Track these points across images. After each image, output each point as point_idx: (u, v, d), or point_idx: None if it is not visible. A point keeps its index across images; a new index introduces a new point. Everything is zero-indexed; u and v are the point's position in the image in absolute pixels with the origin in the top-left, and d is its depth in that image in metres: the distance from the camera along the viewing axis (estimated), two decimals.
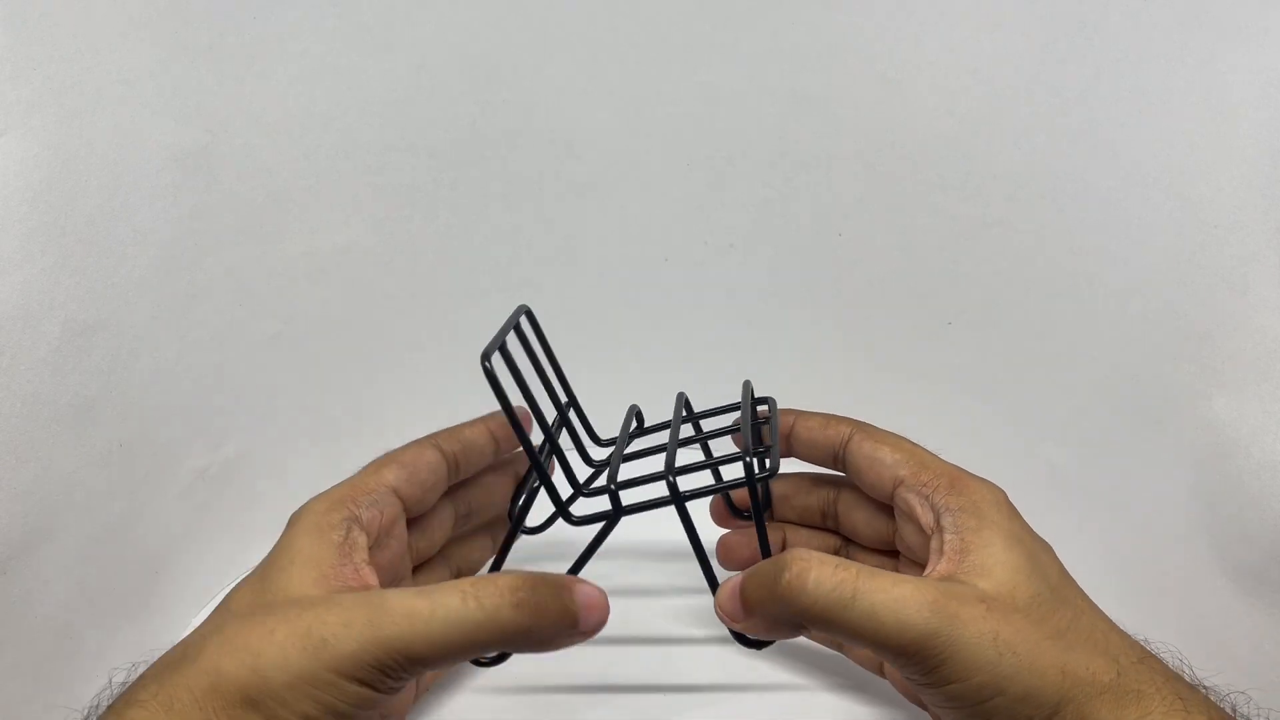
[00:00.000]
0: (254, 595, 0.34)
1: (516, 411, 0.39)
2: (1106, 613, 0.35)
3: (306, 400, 0.54)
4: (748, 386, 0.44)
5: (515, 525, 0.42)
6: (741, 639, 0.39)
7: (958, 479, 0.38)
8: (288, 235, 0.50)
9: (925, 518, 0.37)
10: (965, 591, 0.33)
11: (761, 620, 0.35)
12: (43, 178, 0.38)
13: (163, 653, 0.34)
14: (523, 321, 0.43)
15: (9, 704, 0.37)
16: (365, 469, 0.40)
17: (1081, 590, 0.36)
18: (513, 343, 0.41)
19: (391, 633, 0.31)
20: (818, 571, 0.33)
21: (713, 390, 0.61)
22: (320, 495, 0.38)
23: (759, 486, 0.37)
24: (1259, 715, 0.35)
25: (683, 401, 0.45)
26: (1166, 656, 0.34)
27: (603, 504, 0.38)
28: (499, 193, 0.55)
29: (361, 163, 0.52)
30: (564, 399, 0.45)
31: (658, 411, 0.47)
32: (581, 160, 0.55)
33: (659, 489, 0.38)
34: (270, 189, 0.49)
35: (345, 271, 0.53)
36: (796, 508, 0.45)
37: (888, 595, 0.32)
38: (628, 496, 0.38)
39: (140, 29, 0.42)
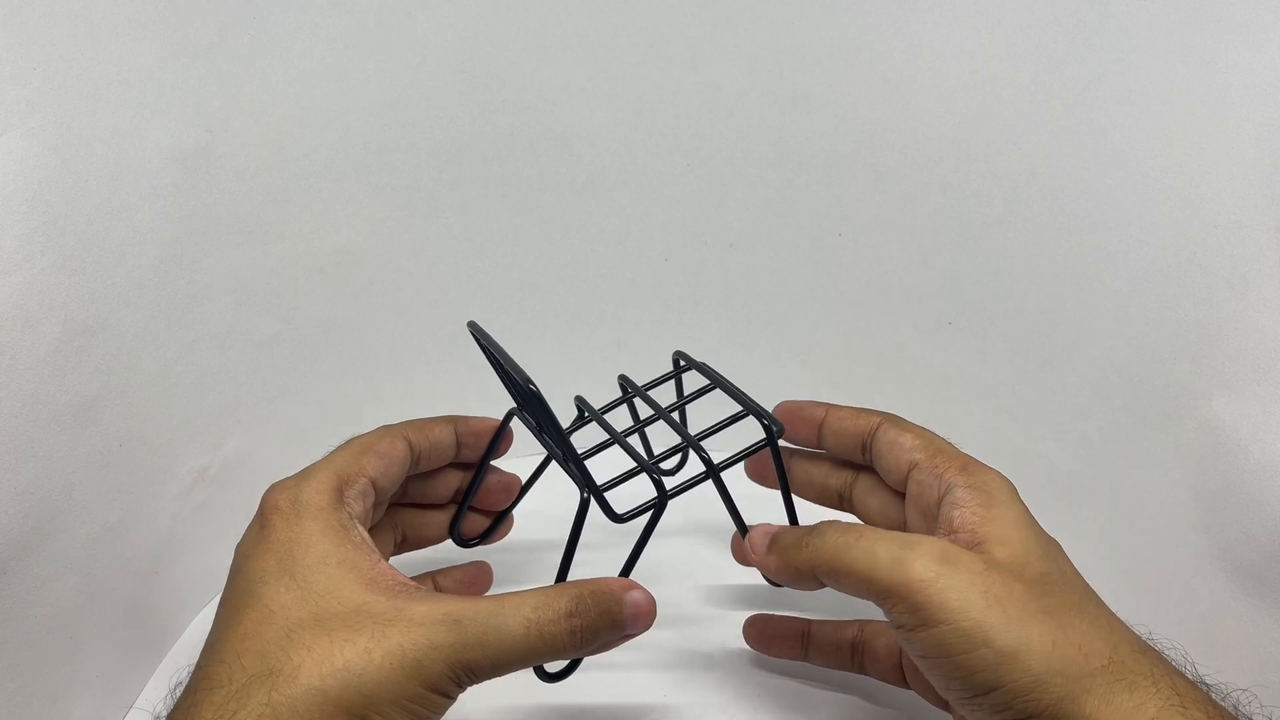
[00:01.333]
0: (299, 598, 0.34)
1: (488, 420, 0.44)
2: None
3: (306, 400, 0.54)
4: (676, 356, 0.46)
5: (452, 527, 0.45)
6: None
7: (968, 464, 0.39)
8: (288, 235, 0.50)
9: (932, 495, 0.38)
10: (966, 553, 0.34)
11: (778, 561, 0.39)
12: (43, 178, 0.38)
13: (197, 664, 0.34)
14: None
15: (9, 704, 0.37)
16: (342, 453, 0.40)
17: (1089, 586, 0.36)
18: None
19: (469, 656, 0.33)
20: (831, 525, 0.37)
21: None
22: (309, 484, 0.38)
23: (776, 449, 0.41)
24: (1261, 713, 0.35)
25: (628, 381, 0.46)
26: (1170, 653, 0.34)
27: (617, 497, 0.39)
28: (499, 193, 0.55)
29: (361, 163, 0.52)
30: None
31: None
32: (581, 160, 0.55)
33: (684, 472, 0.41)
34: (270, 189, 0.49)
35: (345, 271, 0.53)
36: (816, 487, 0.45)
37: (889, 539, 0.35)
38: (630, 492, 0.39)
39: (140, 29, 0.42)
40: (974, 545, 0.35)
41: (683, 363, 0.46)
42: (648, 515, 0.39)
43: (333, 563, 0.35)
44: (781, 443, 0.42)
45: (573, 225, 0.57)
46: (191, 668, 0.34)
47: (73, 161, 0.39)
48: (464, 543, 0.47)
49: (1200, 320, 0.44)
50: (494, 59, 0.52)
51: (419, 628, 0.33)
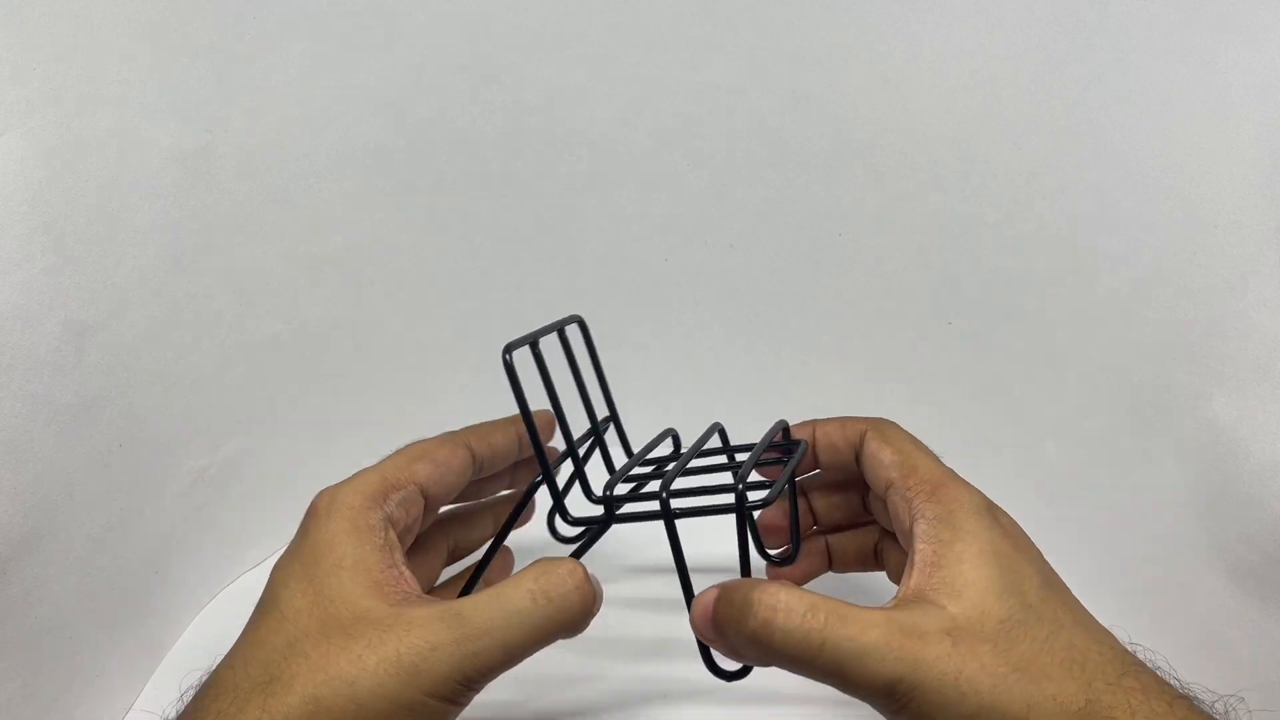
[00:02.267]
0: (311, 603, 0.33)
1: (538, 416, 0.40)
2: (1105, 612, 0.35)
3: (306, 400, 0.54)
4: (777, 425, 0.44)
5: (511, 519, 0.43)
6: (713, 668, 0.37)
7: (940, 485, 0.37)
8: (288, 235, 0.50)
9: (904, 524, 0.37)
10: (931, 623, 0.32)
11: (729, 650, 0.35)
12: (43, 178, 0.38)
13: (216, 666, 0.34)
14: (570, 331, 0.44)
15: (9, 704, 0.37)
16: (395, 459, 0.39)
17: (1066, 598, 0.35)
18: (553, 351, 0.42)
19: (475, 648, 0.32)
20: (784, 619, 0.32)
21: (712, 390, 0.61)
22: (349, 485, 0.37)
23: (748, 516, 0.38)
24: (1249, 718, 0.35)
25: (716, 429, 0.46)
26: (1153, 657, 0.34)
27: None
28: (498, 192, 0.55)
29: (361, 163, 0.52)
30: (603, 413, 0.46)
31: (664, 421, 0.49)
32: (581, 160, 0.55)
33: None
34: (270, 189, 0.49)
35: (345, 271, 0.53)
36: (842, 507, 0.45)
37: (854, 645, 0.32)
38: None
39: (140, 29, 0.42)
40: (936, 591, 0.34)
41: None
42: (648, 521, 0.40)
43: (346, 566, 0.34)
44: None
45: (573, 225, 0.57)
46: (201, 671, 0.34)
47: (73, 162, 0.39)
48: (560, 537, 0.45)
49: (1200, 320, 0.44)
50: (494, 59, 0.52)
51: (416, 630, 0.32)
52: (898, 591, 0.35)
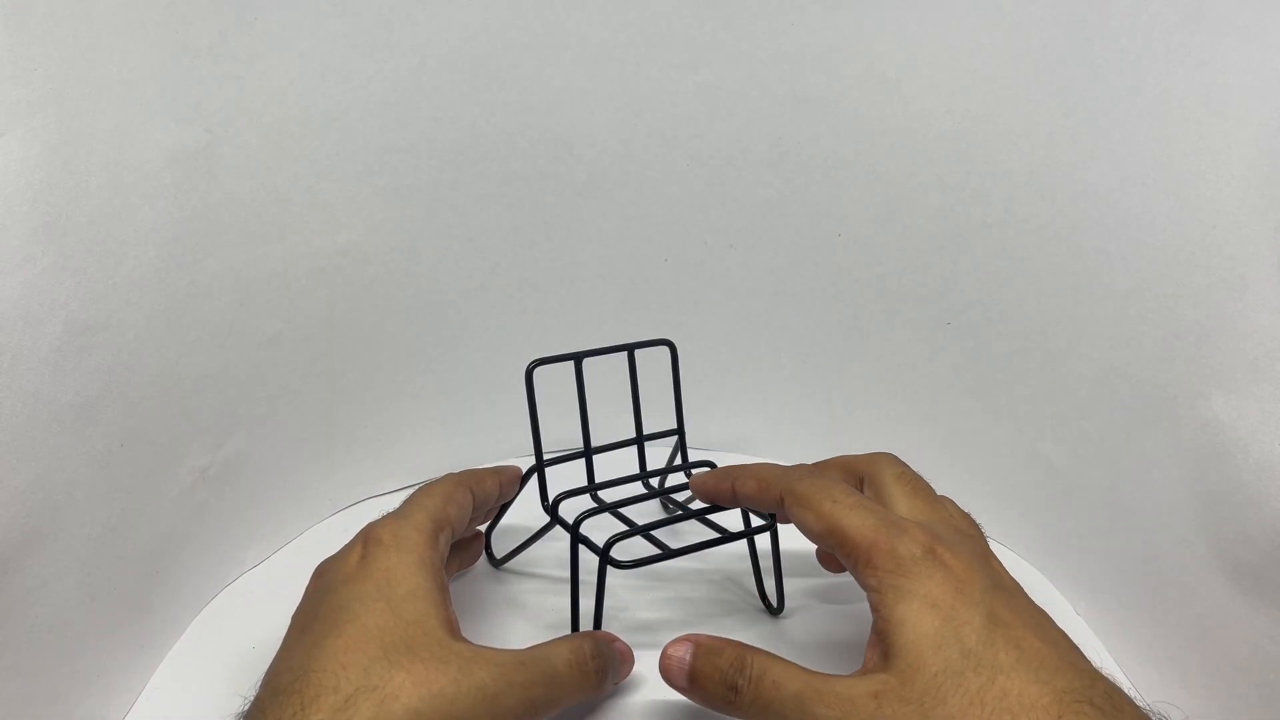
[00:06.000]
0: (393, 624, 0.36)
1: (504, 472, 0.48)
2: (1104, 612, 0.35)
3: (306, 400, 0.54)
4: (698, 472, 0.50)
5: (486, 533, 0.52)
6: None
7: (871, 547, 0.36)
8: (288, 235, 0.50)
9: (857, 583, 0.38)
10: (860, 689, 0.34)
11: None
12: (43, 178, 0.38)
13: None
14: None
15: (9, 704, 0.37)
16: (431, 499, 0.43)
17: (1013, 634, 0.33)
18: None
19: (536, 693, 0.37)
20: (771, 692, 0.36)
21: (711, 390, 0.61)
22: (410, 522, 0.41)
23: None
24: None
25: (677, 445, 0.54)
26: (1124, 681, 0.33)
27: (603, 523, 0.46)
28: (499, 193, 0.55)
29: (361, 163, 0.52)
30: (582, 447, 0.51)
31: (663, 421, 0.52)
32: (581, 160, 0.55)
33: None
34: (270, 189, 0.49)
35: (345, 271, 0.53)
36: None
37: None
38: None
39: (140, 29, 0.42)
40: (880, 659, 0.35)
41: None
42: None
43: (421, 596, 0.38)
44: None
45: (573, 225, 0.57)
46: (259, 679, 0.36)
47: (74, 162, 0.39)
48: (496, 562, 0.53)
49: (1199, 320, 0.44)
50: (494, 59, 0.52)
51: (496, 667, 0.36)
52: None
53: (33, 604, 0.38)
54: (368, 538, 0.40)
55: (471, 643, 0.38)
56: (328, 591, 0.39)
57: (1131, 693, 0.33)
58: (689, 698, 0.39)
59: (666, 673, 0.39)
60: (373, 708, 0.33)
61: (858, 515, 0.37)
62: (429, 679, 0.35)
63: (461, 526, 0.44)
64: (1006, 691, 0.31)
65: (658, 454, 0.53)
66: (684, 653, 0.38)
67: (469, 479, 0.46)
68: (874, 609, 0.36)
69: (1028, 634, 0.34)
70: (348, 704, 0.33)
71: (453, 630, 0.38)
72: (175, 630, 0.48)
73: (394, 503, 0.45)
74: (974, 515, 0.43)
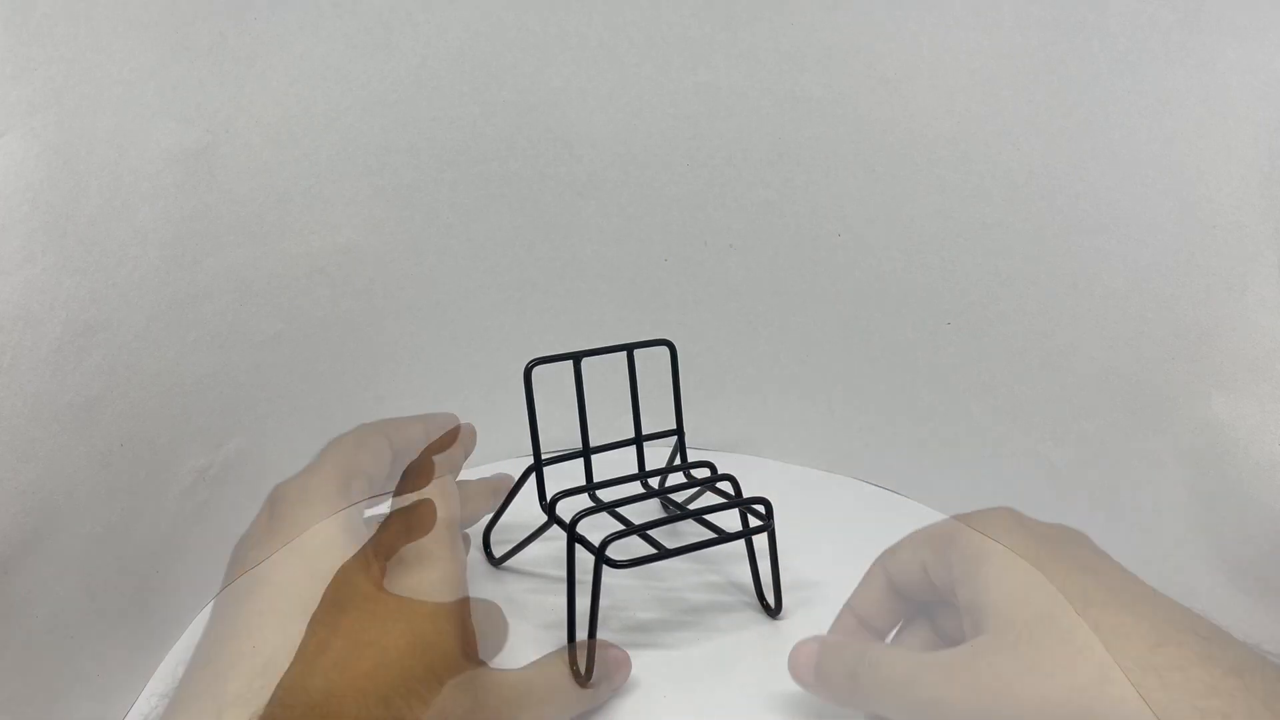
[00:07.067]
0: (307, 577, 0.36)
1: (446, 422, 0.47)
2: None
3: (306, 400, 0.53)
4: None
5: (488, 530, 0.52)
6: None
7: (957, 533, 0.38)
8: (288, 235, 0.50)
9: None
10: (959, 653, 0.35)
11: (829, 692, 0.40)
12: (44, 178, 0.38)
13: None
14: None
15: (9, 704, 0.37)
16: (346, 443, 0.43)
17: (1106, 578, 0.35)
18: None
19: (470, 643, 0.38)
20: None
21: (711, 390, 0.61)
22: (318, 474, 0.41)
23: None
24: None
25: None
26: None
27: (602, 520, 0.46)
28: (499, 193, 0.55)
29: (361, 163, 0.52)
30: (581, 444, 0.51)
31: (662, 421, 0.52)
32: (581, 160, 0.55)
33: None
34: (270, 189, 0.49)
35: (345, 271, 0.53)
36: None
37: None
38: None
39: (140, 29, 0.42)
40: (977, 625, 0.35)
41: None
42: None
43: (337, 547, 0.38)
44: None
45: (572, 225, 0.57)
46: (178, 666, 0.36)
47: (74, 162, 0.39)
48: (495, 561, 0.53)
49: (1198, 320, 0.44)
50: (494, 59, 0.52)
51: (427, 615, 0.36)
52: None
53: (33, 604, 0.38)
54: (273, 498, 0.40)
55: (399, 595, 0.37)
56: (241, 562, 0.38)
57: None
58: (813, 691, 0.41)
59: (795, 669, 0.41)
60: (298, 665, 0.32)
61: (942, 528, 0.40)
62: (354, 630, 0.34)
63: (380, 473, 0.43)
64: (1099, 624, 0.32)
65: (658, 454, 0.53)
66: (813, 649, 0.41)
67: (385, 425, 0.45)
68: (960, 586, 0.37)
69: (1117, 574, 0.35)
70: (266, 667, 0.32)
71: (376, 581, 0.37)
72: (175, 630, 0.48)
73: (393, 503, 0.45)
74: None
